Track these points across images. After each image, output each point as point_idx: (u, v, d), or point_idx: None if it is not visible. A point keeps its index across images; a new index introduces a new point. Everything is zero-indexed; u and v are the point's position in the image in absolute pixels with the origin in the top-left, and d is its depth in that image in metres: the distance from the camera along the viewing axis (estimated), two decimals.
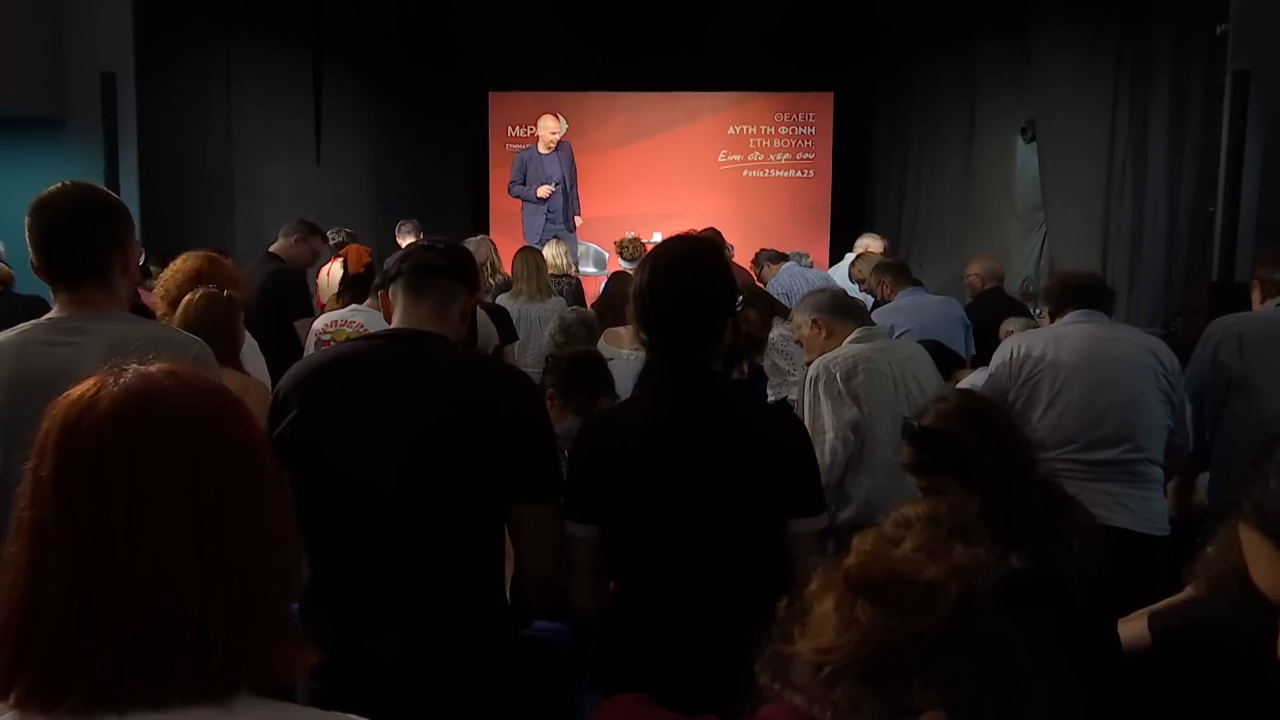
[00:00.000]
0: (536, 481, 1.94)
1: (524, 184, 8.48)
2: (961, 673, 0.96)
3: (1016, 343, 3.09)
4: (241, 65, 9.59)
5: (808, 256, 7.14)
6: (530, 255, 5.96)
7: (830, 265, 9.97)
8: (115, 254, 2.09)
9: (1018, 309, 6.09)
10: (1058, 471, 2.83)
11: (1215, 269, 7.51)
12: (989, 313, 5.99)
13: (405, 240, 7.54)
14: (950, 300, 5.94)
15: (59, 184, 2.16)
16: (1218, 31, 7.63)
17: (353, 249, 5.66)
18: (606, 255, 10.35)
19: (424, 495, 1.89)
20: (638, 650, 2.00)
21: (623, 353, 4.01)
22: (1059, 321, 3.09)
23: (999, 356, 3.14)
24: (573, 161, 8.60)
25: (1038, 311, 9.61)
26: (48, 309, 2.20)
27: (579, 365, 3.10)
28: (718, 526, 1.94)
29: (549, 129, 8.39)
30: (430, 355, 1.99)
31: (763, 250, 7.49)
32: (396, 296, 2.13)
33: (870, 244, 7.44)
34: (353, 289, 5.12)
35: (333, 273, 6.51)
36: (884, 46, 11.22)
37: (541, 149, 8.60)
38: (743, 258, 10.22)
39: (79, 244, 2.05)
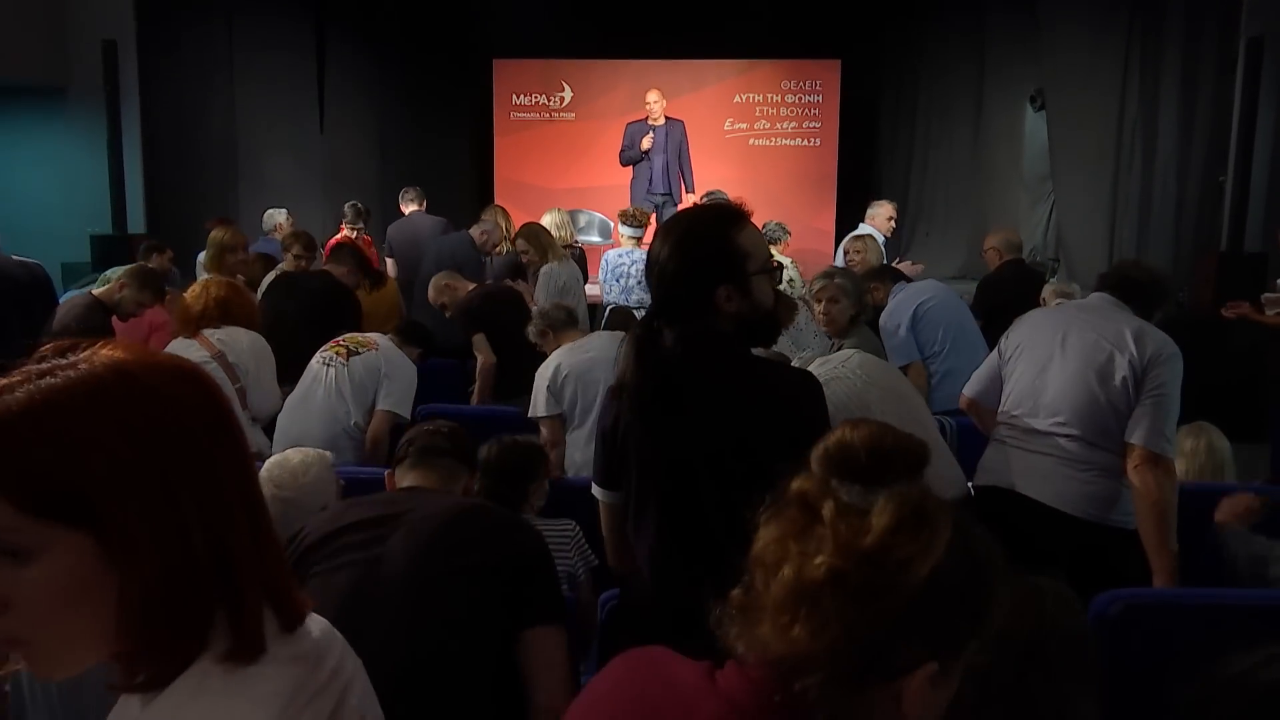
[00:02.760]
0: (541, 606, 1.95)
1: (630, 147, 8.57)
2: (952, 616, 0.92)
3: (1021, 320, 3.09)
4: (244, 32, 9.52)
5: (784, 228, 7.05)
6: (531, 229, 5.94)
7: (838, 236, 9.93)
8: None
9: (1038, 280, 6.00)
10: (1002, 436, 2.91)
11: (1224, 239, 7.46)
12: (1011, 285, 5.93)
13: (409, 208, 7.51)
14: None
15: None
16: None
17: (367, 245, 6.42)
18: (611, 224, 10.31)
19: (427, 657, 1.86)
20: (659, 614, 1.98)
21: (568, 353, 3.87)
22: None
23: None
24: (684, 137, 8.61)
25: (1051, 280, 9.60)
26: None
27: (510, 461, 2.85)
28: (730, 482, 1.87)
29: (651, 100, 8.51)
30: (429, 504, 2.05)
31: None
32: (403, 476, 2.29)
33: (879, 212, 7.36)
34: (372, 277, 5.71)
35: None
36: (892, 14, 11.08)
37: (651, 121, 8.66)
38: None
39: None
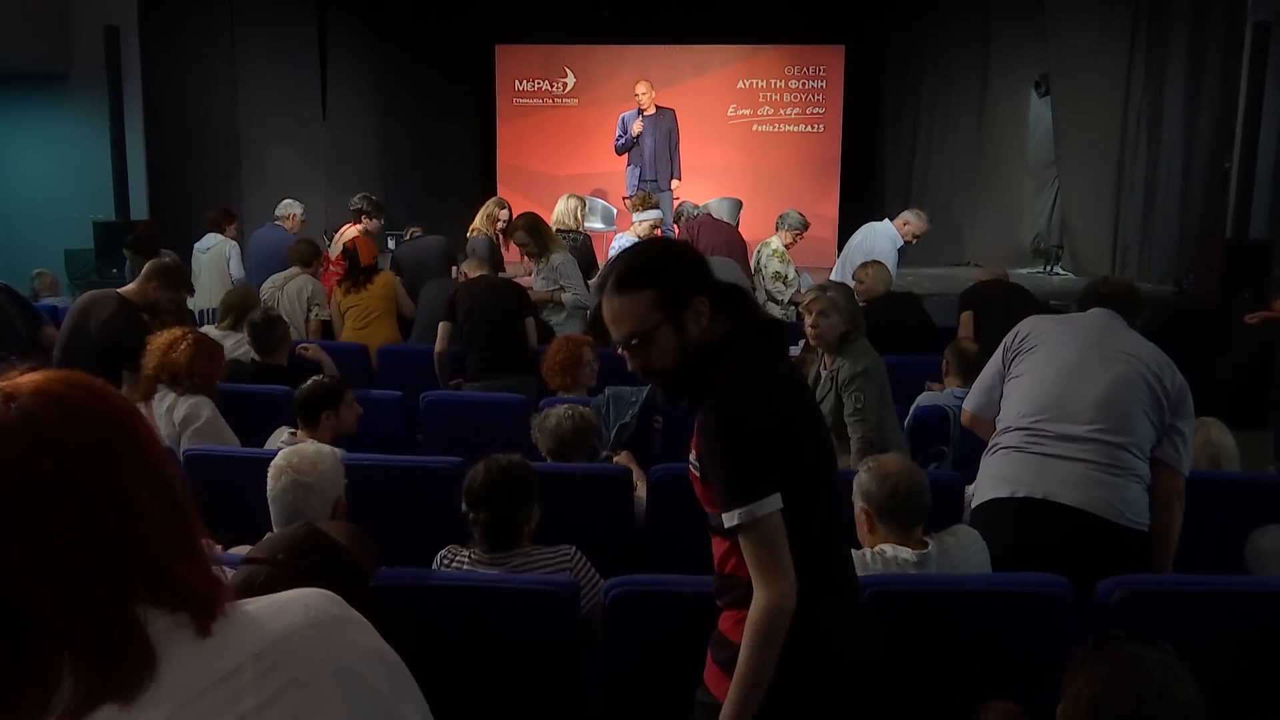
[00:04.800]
0: None
1: (623, 135, 8.62)
2: None
3: (1028, 319, 3.03)
4: (246, 19, 9.49)
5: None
6: (530, 221, 5.94)
7: (842, 222, 9.91)
8: None
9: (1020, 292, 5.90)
10: (1019, 444, 2.75)
11: (1229, 225, 7.44)
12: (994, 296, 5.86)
13: (296, 212, 7.29)
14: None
15: None
16: None
17: (364, 243, 6.07)
18: (615, 211, 10.30)
19: None
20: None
21: None
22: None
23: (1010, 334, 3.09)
24: (674, 125, 8.68)
25: (1049, 268, 9.60)
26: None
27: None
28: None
29: (640, 92, 8.55)
30: None
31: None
32: None
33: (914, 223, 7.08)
34: (353, 276, 5.77)
35: (345, 235, 6.70)
36: None
37: (643, 112, 8.69)
38: (752, 212, 10.16)
39: None
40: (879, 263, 5.77)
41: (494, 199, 6.62)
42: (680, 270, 1.84)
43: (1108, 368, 2.76)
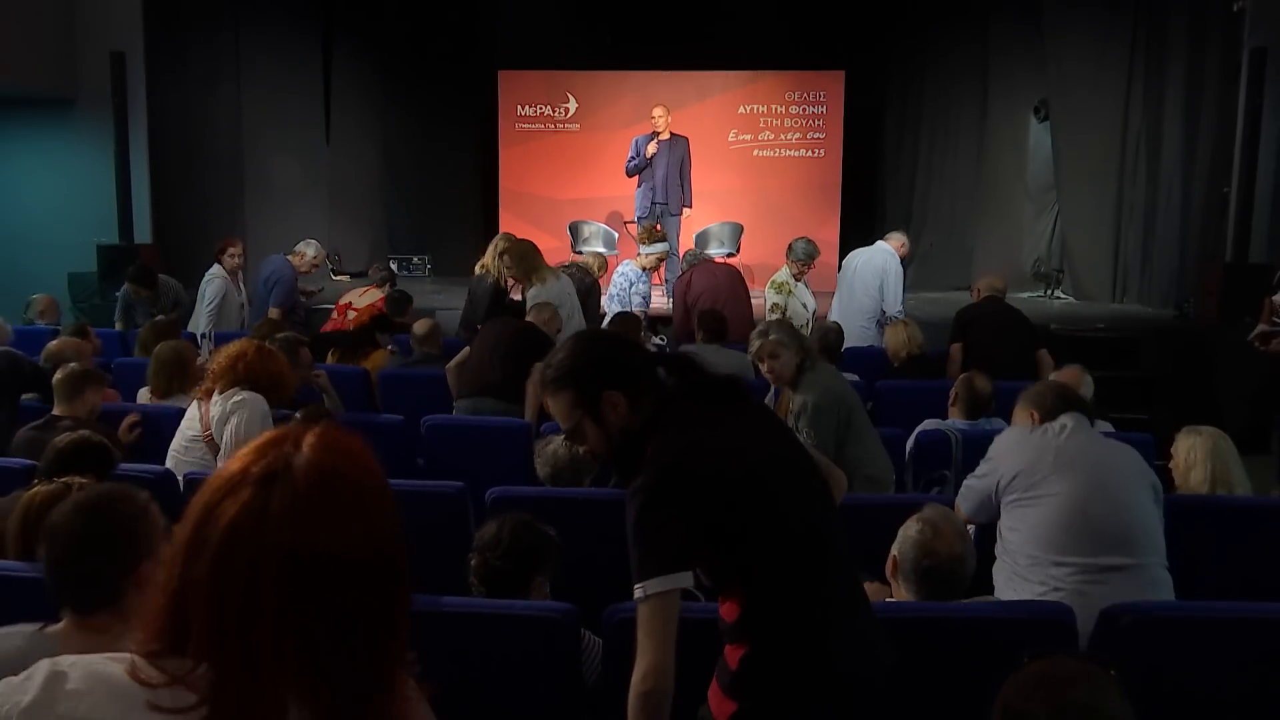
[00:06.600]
0: None
1: (635, 157, 8.69)
2: None
3: (1018, 448, 2.85)
4: (251, 45, 9.57)
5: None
6: (516, 250, 6.00)
7: (843, 246, 9.93)
8: (129, 580, 1.91)
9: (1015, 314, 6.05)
10: (1070, 584, 2.60)
11: (1229, 249, 7.45)
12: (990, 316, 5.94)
13: (307, 252, 7.20)
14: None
15: (72, 507, 1.92)
16: (1234, 8, 7.55)
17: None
18: (616, 235, 10.33)
19: None
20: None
21: None
22: (1058, 424, 2.86)
23: (998, 450, 2.90)
24: (686, 154, 8.75)
25: (1049, 292, 9.61)
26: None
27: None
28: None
29: (656, 115, 8.64)
30: None
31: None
32: None
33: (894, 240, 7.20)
34: (354, 343, 5.87)
35: (365, 295, 6.90)
36: (896, 24, 11.10)
37: (658, 136, 8.74)
38: (753, 238, 10.21)
39: (90, 576, 1.87)
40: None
41: (501, 235, 6.52)
42: (588, 369, 1.95)
43: (1123, 485, 2.74)
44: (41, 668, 0.91)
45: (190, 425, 3.70)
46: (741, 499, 1.82)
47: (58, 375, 4.03)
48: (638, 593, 1.76)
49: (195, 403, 3.74)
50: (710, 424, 1.91)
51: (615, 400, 1.91)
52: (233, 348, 3.77)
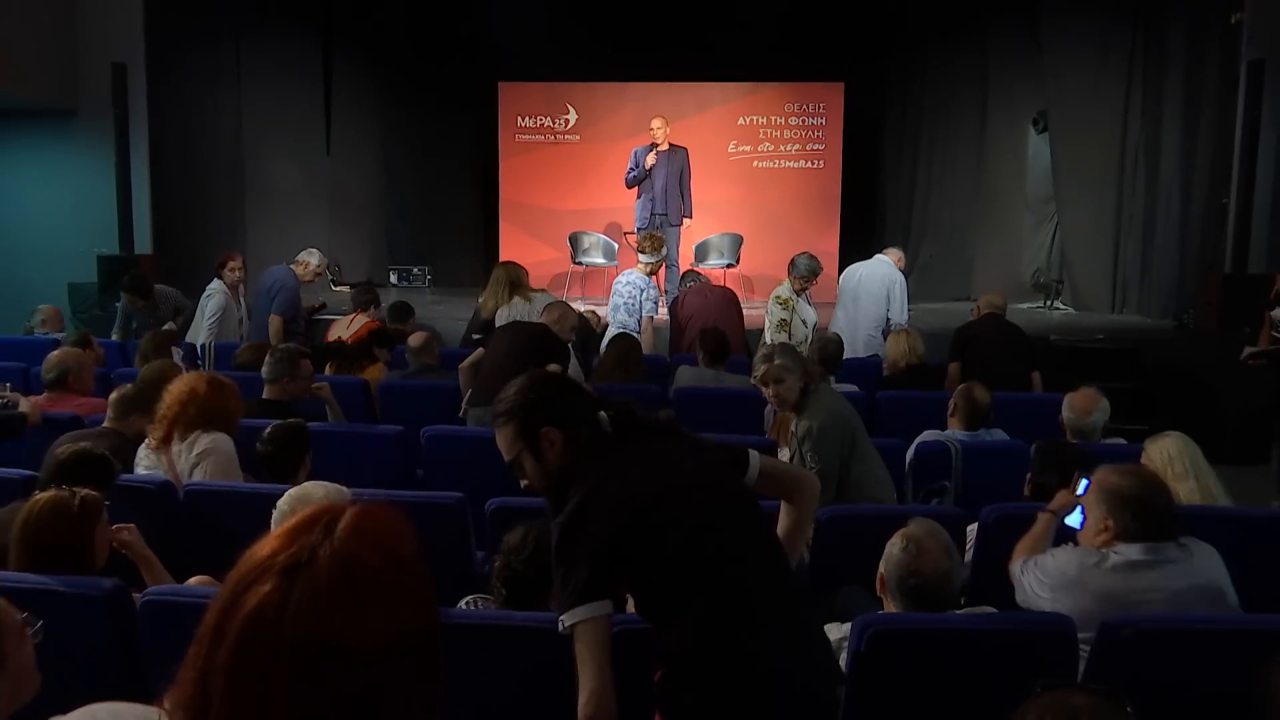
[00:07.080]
0: None
1: (635, 169, 8.70)
2: None
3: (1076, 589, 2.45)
4: (252, 56, 9.60)
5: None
6: (499, 271, 6.09)
7: (842, 258, 9.94)
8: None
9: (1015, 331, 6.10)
10: None
11: (1228, 260, 7.47)
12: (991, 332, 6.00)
13: (310, 262, 7.19)
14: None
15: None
16: (1232, 21, 7.58)
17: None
18: (616, 245, 10.35)
19: None
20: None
21: None
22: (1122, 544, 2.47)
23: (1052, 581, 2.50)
24: (685, 164, 8.77)
25: (1049, 303, 9.62)
26: None
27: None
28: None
29: (655, 126, 8.67)
30: None
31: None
32: None
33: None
34: (353, 356, 5.83)
35: (353, 324, 6.76)
36: (895, 36, 11.14)
37: (657, 147, 8.77)
38: (752, 249, 10.22)
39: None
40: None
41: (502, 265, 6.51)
42: (531, 406, 2.11)
43: None
44: None
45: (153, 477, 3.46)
46: (648, 529, 1.94)
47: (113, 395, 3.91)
48: (560, 625, 1.89)
49: (153, 453, 3.53)
50: (633, 462, 2.04)
51: (553, 437, 2.05)
52: (178, 387, 3.53)
